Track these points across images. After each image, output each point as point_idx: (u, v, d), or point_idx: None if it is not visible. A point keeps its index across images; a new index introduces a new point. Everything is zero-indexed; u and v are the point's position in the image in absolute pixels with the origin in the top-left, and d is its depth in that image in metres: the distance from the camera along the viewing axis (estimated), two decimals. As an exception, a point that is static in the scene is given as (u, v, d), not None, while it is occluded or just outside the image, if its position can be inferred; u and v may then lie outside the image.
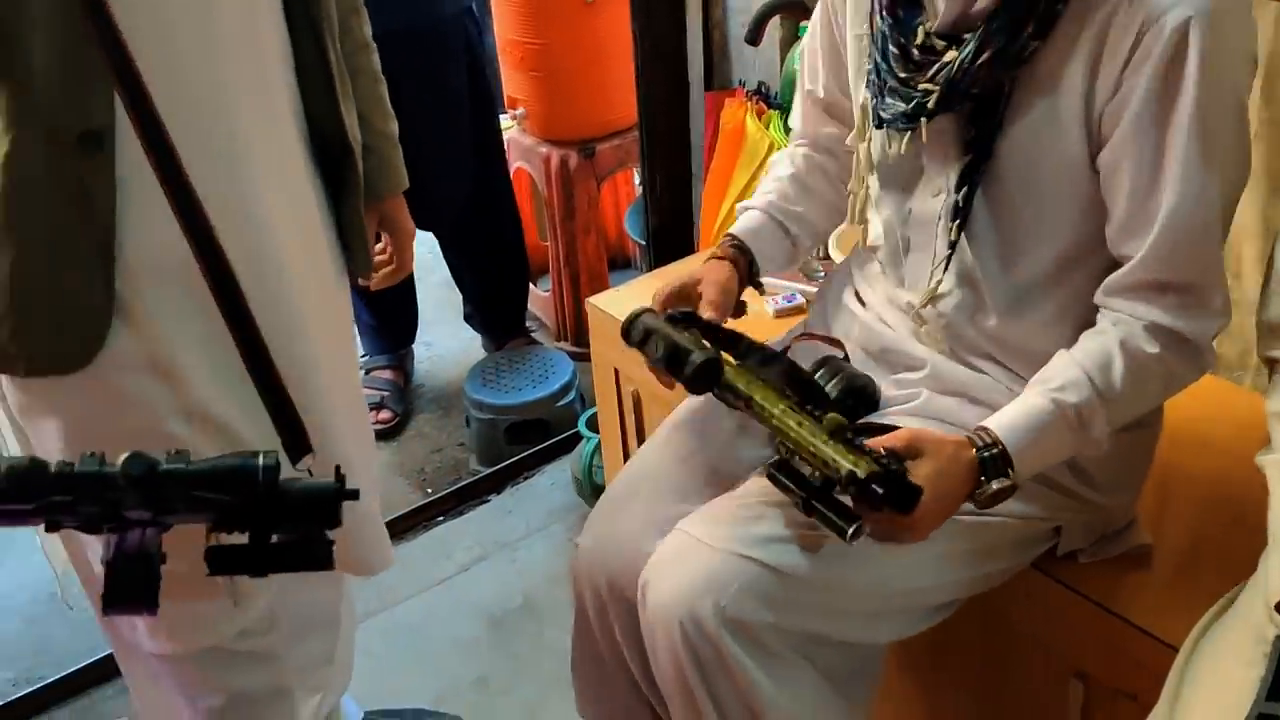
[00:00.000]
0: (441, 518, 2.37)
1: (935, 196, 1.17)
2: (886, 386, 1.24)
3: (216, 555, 0.75)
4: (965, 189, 1.12)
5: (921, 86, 1.10)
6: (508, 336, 2.83)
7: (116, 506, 0.71)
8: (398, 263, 1.61)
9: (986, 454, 1.07)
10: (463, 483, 2.45)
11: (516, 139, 2.90)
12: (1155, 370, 1.08)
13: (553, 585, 2.14)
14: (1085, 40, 1.04)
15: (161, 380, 1.22)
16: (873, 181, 1.25)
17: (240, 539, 0.75)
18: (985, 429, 1.08)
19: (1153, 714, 0.99)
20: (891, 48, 1.13)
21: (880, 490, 1.02)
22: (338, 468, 0.78)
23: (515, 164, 2.94)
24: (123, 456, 0.71)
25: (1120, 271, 1.09)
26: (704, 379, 1.11)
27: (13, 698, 2.00)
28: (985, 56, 1.05)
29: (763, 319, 1.80)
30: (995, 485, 1.07)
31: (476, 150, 2.59)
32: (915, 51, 1.11)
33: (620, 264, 3.17)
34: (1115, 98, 1.04)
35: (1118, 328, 1.08)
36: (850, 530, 1.03)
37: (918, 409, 1.22)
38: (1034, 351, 1.15)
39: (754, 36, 1.94)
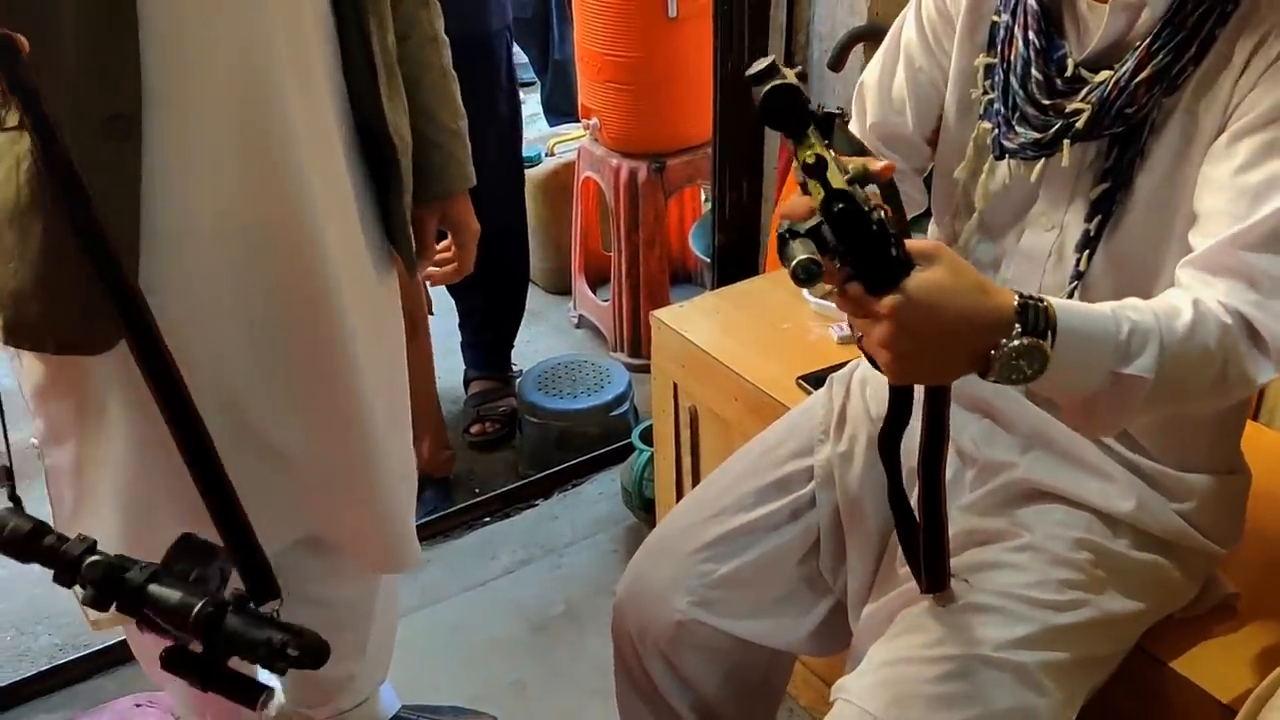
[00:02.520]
0: (488, 519, 2.39)
1: (1049, 231, 1.15)
2: (978, 440, 1.23)
3: (170, 653, 0.78)
4: (1099, 218, 1.09)
5: (1071, 108, 1.07)
6: (491, 370, 2.74)
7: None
8: (460, 261, 1.61)
9: (1030, 302, 0.93)
10: (511, 485, 2.46)
11: (588, 148, 2.93)
12: (1215, 342, 0.97)
13: (596, 594, 2.14)
14: (1235, 64, 1.01)
15: (182, 364, 1.26)
16: (975, 217, 1.21)
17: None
18: (1035, 294, 0.96)
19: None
20: (1036, 73, 1.10)
21: (838, 224, 0.89)
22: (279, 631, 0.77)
23: (584, 173, 2.96)
24: (90, 559, 0.77)
25: (1207, 248, 1.00)
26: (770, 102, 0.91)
27: (60, 661, 2.04)
28: (1144, 75, 1.03)
29: (828, 343, 1.80)
30: (1025, 340, 0.91)
31: (507, 168, 2.58)
32: (1059, 81, 1.09)
33: (681, 279, 3.18)
34: (1254, 91, 1.00)
35: (1190, 291, 1.00)
36: (794, 265, 0.88)
37: (1021, 479, 1.20)
38: None
39: (836, 63, 1.94)
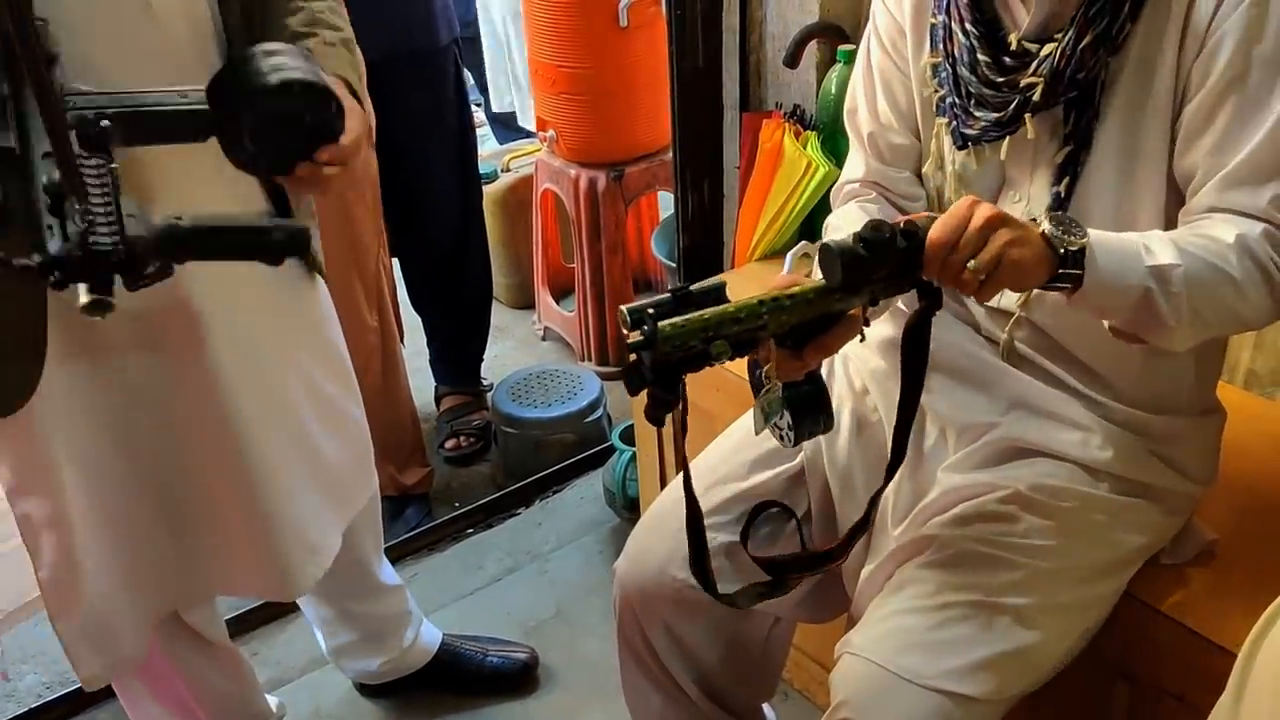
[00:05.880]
0: (471, 530, 2.40)
1: (1017, 203, 1.20)
2: (957, 406, 1.27)
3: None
4: (1066, 179, 1.15)
5: (1024, 82, 1.12)
6: (462, 385, 2.75)
7: None
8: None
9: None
10: (492, 496, 2.47)
11: (545, 161, 2.95)
12: (1258, 256, 1.06)
13: (586, 595, 2.16)
14: (1174, 18, 1.07)
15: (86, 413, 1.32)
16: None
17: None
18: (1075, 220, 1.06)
19: (1214, 713, 1.01)
20: (982, 56, 1.15)
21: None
22: None
23: (543, 185, 2.99)
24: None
25: (1224, 173, 1.07)
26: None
27: (48, 699, 2.01)
28: (1086, 40, 1.08)
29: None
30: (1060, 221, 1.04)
31: (462, 181, 2.58)
32: (1007, 59, 1.14)
33: (642, 285, 3.21)
34: (1202, 53, 1.06)
35: (1233, 224, 1.06)
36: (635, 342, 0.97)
37: (1002, 437, 1.24)
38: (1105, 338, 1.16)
39: (792, 59, 1.99)
